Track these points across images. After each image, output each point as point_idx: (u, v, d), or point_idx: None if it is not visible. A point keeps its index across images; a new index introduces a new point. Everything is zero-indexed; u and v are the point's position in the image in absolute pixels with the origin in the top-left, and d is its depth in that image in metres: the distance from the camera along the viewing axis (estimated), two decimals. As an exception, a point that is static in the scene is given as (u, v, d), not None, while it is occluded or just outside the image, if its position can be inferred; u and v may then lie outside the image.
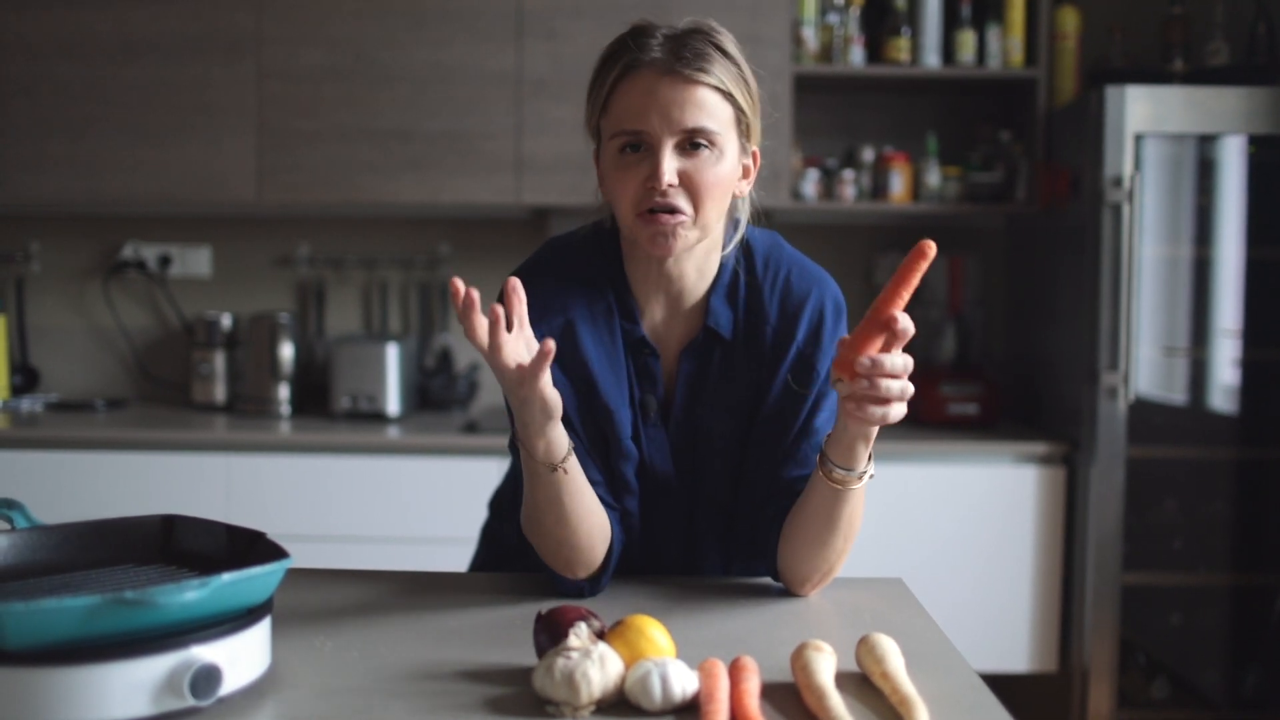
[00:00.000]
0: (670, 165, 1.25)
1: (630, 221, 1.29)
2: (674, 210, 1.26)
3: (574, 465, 1.26)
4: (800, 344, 1.36)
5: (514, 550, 1.49)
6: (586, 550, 1.30)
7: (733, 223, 1.39)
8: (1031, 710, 3.08)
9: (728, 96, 1.27)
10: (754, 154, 1.35)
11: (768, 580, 1.40)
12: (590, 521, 1.29)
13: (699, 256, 1.35)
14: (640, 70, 1.26)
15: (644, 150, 1.27)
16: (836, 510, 1.26)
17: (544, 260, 1.41)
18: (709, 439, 1.38)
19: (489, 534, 1.65)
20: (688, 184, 1.26)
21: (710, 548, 1.43)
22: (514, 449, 1.37)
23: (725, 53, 1.28)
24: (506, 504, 1.58)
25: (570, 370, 1.34)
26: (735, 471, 1.39)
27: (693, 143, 1.26)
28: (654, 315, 1.38)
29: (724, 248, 1.38)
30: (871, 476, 1.25)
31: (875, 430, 1.20)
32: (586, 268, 1.38)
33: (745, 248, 1.40)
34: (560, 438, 1.23)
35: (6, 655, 0.88)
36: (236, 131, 3.15)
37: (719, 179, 1.27)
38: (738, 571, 1.45)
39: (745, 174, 1.35)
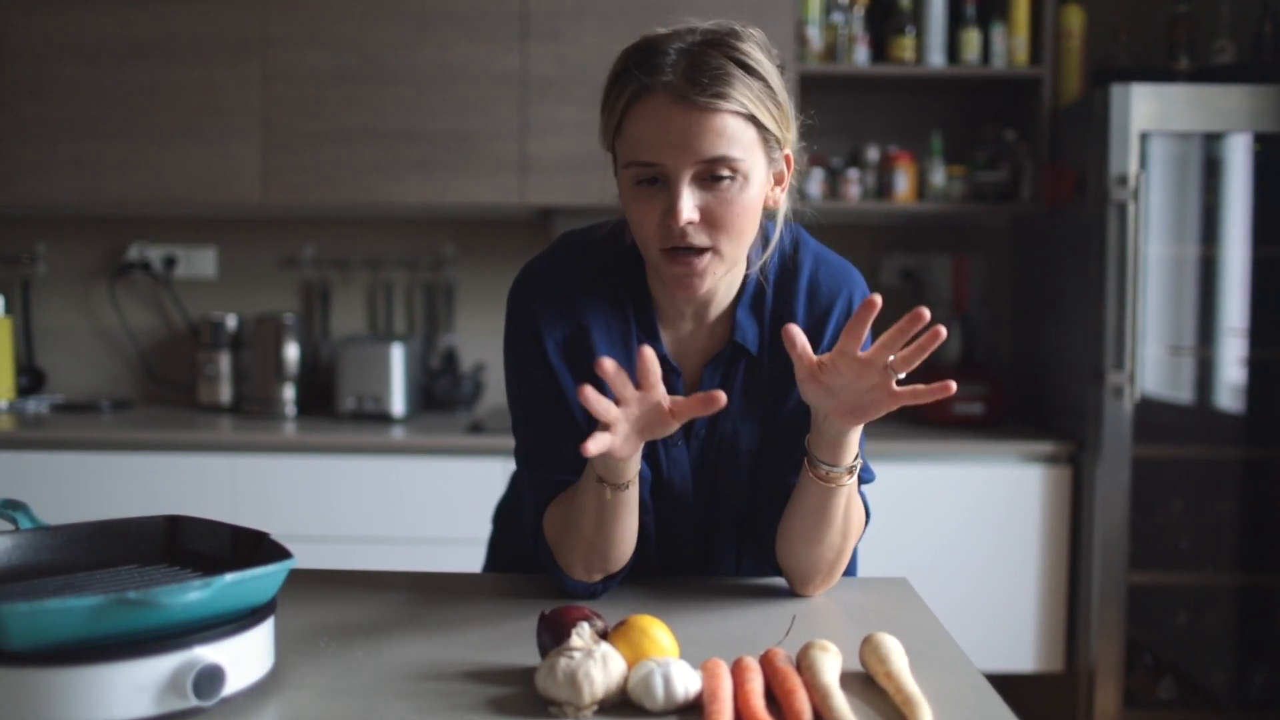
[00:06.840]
0: (688, 201, 1.16)
1: (654, 256, 1.22)
2: (699, 250, 1.19)
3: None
4: (826, 347, 1.30)
5: (520, 563, 1.48)
6: (617, 559, 1.27)
7: (762, 234, 1.30)
8: (1037, 711, 3.07)
9: (750, 119, 1.17)
10: (786, 158, 1.26)
11: (772, 580, 1.39)
12: (631, 531, 1.26)
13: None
14: (653, 95, 1.16)
15: (661, 182, 1.18)
16: (829, 506, 1.23)
17: (560, 261, 1.35)
18: (733, 453, 1.34)
19: (495, 547, 1.63)
20: (709, 219, 1.18)
21: (726, 552, 1.41)
22: (520, 462, 1.35)
23: (747, 68, 1.16)
24: (510, 517, 1.55)
25: (581, 378, 1.29)
26: (754, 479, 1.35)
27: (713, 173, 1.17)
28: (677, 330, 1.33)
29: (752, 262, 1.31)
30: (855, 469, 1.22)
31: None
32: (606, 276, 1.32)
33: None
34: (639, 458, 1.19)
35: (10, 656, 0.88)
36: (242, 133, 3.16)
37: (745, 208, 1.19)
38: (747, 570, 1.42)
39: (778, 181, 1.26)
